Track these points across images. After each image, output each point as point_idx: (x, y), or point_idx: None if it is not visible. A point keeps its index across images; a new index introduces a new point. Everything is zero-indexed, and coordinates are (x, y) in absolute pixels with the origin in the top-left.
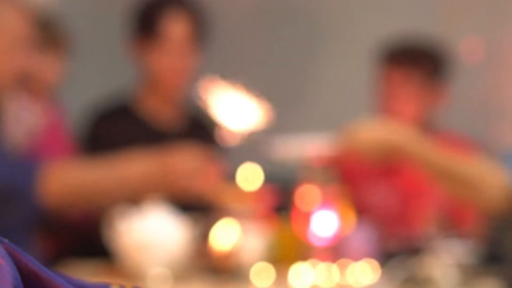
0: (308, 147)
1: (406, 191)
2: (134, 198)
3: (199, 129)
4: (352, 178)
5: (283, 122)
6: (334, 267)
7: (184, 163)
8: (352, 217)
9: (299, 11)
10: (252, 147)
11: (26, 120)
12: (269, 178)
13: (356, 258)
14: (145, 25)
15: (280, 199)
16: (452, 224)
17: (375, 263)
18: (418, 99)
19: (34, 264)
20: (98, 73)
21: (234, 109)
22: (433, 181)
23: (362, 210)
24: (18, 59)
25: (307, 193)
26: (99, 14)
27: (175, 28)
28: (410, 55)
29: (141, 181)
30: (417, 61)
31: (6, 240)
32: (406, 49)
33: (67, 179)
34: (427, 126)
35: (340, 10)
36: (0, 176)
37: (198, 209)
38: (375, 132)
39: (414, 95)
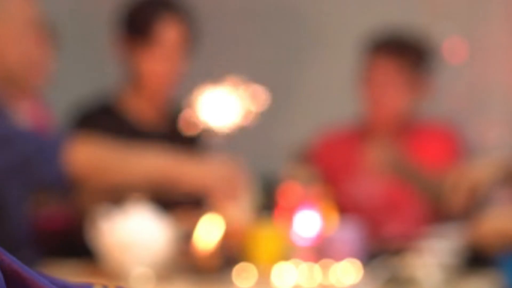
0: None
1: (388, 187)
2: (147, 187)
3: (182, 128)
4: (332, 174)
5: (273, 118)
6: (316, 267)
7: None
8: (335, 217)
9: (286, 7)
10: (236, 146)
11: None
12: (253, 178)
13: (339, 258)
14: (137, 28)
15: (263, 199)
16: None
17: (357, 263)
18: (403, 90)
19: (17, 264)
20: (82, 73)
21: (220, 108)
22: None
23: (344, 205)
24: (27, 45)
25: (290, 193)
26: (84, 13)
27: (168, 32)
28: (395, 46)
29: (157, 173)
30: (402, 52)
31: None
32: (392, 40)
33: (91, 154)
34: (409, 119)
35: (326, 5)
36: (27, 150)
37: (181, 209)
38: (501, 223)
39: (399, 86)
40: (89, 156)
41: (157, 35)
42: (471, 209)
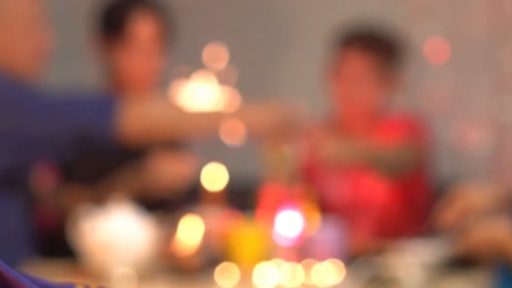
0: None
1: (363, 185)
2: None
3: None
4: (312, 174)
5: None
6: (299, 267)
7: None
8: (317, 217)
9: (258, 4)
10: (215, 146)
11: None
12: (234, 178)
13: (321, 258)
14: (112, 25)
15: (245, 199)
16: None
17: (339, 263)
18: (375, 85)
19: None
20: (61, 71)
21: (200, 104)
22: None
23: (326, 204)
24: (34, 38)
25: (272, 193)
26: (62, 11)
27: (143, 28)
28: (366, 40)
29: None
30: (374, 46)
31: None
32: (363, 34)
33: (144, 113)
34: (379, 114)
35: (303, 2)
36: (77, 115)
37: (164, 209)
38: (492, 232)
39: (370, 80)
40: (143, 116)
41: (132, 31)
42: (459, 228)
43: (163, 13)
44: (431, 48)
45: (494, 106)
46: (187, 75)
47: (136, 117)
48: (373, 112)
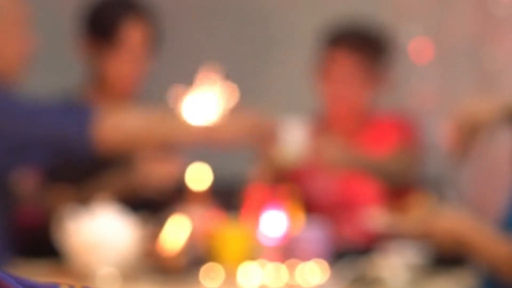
0: None
1: (349, 184)
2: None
3: None
4: (299, 173)
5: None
6: (283, 267)
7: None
8: (301, 217)
9: (245, 3)
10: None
11: None
12: (219, 178)
13: (305, 258)
14: (101, 29)
15: (230, 199)
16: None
17: (324, 263)
18: (362, 84)
19: None
20: (45, 73)
21: (189, 107)
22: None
23: (313, 204)
24: (20, 41)
25: (256, 193)
26: (47, 13)
27: (132, 34)
28: (354, 38)
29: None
30: (361, 45)
31: None
32: (350, 33)
33: (120, 124)
34: (367, 112)
35: (288, 2)
36: (54, 123)
37: (148, 209)
38: (450, 221)
39: (358, 79)
40: (119, 127)
41: (121, 36)
42: (471, 148)
43: (151, 17)
44: (415, 48)
45: None
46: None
47: (112, 128)
48: (361, 110)
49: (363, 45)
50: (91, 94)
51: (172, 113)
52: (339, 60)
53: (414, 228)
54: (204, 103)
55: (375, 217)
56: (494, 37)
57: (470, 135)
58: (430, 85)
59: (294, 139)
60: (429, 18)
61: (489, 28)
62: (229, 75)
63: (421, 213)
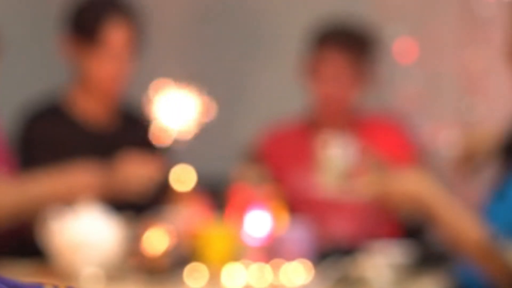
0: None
1: None
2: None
3: (134, 129)
4: (281, 170)
5: (221, 118)
6: (267, 267)
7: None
8: (285, 217)
9: (232, 3)
10: (185, 147)
11: None
12: (203, 178)
13: (290, 258)
14: (84, 29)
15: (214, 199)
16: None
17: (308, 263)
18: (352, 82)
19: None
20: (29, 74)
21: (171, 108)
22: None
23: (294, 202)
24: None
25: (240, 193)
26: (29, 13)
27: (116, 34)
28: (343, 36)
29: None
30: (350, 43)
31: None
32: (339, 30)
33: None
34: (354, 110)
35: (273, 0)
36: None
37: (132, 210)
38: (410, 186)
39: (347, 77)
40: None
41: (105, 37)
42: (468, 175)
43: (134, 18)
44: (400, 48)
45: (461, 106)
46: (160, 81)
47: None
48: (349, 109)
49: (351, 43)
50: (76, 94)
51: None
52: (328, 59)
53: (369, 190)
54: (177, 110)
55: (329, 143)
56: (478, 37)
57: (466, 165)
58: (414, 85)
59: (338, 159)
60: (413, 18)
61: (473, 28)
62: (217, 74)
63: (377, 175)
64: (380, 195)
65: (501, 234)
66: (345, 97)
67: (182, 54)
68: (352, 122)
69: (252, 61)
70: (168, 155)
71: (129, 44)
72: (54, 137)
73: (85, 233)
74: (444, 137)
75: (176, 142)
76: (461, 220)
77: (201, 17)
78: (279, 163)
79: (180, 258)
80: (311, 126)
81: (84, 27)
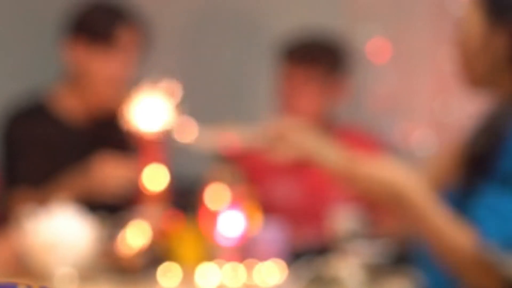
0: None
1: (312, 186)
2: None
3: (115, 129)
4: (257, 174)
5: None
6: (241, 267)
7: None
8: (259, 217)
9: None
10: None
11: None
12: (176, 178)
13: (263, 258)
14: (96, 32)
15: (187, 199)
16: (370, 221)
17: (282, 263)
18: (319, 96)
19: None
20: (13, 72)
21: (151, 110)
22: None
23: (268, 206)
24: None
25: (214, 193)
26: (14, 13)
27: (127, 38)
28: (309, 51)
29: None
30: (317, 57)
31: None
32: (306, 45)
33: None
34: (328, 122)
35: (245, 5)
36: None
37: (105, 210)
38: (380, 171)
39: (315, 91)
40: None
41: (117, 38)
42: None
43: (142, 23)
44: (373, 48)
45: (435, 106)
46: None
47: None
48: (321, 121)
49: (318, 57)
50: (62, 93)
51: None
52: (294, 74)
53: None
54: (154, 111)
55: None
56: (452, 37)
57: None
58: (387, 85)
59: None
60: (386, 18)
61: (447, 28)
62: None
63: (345, 155)
64: (345, 175)
65: (495, 245)
66: (311, 111)
67: (176, 55)
68: (324, 132)
69: (250, 62)
70: (143, 155)
71: (137, 48)
72: (36, 136)
73: (59, 233)
74: (418, 137)
75: (153, 142)
76: (447, 224)
77: (200, 19)
78: (252, 166)
79: (154, 258)
80: None
81: (96, 29)
